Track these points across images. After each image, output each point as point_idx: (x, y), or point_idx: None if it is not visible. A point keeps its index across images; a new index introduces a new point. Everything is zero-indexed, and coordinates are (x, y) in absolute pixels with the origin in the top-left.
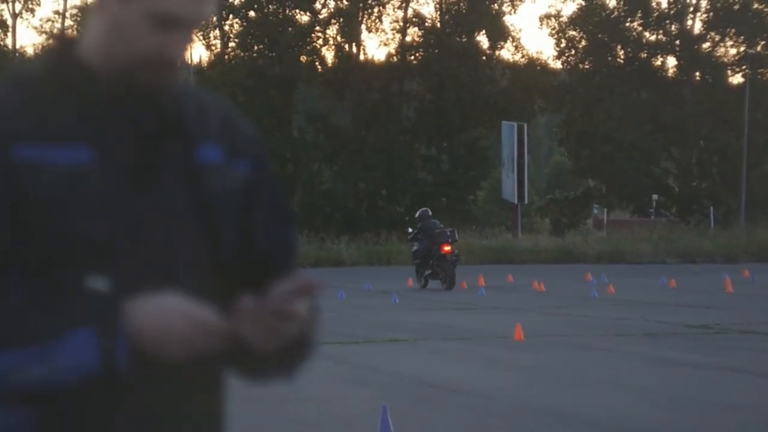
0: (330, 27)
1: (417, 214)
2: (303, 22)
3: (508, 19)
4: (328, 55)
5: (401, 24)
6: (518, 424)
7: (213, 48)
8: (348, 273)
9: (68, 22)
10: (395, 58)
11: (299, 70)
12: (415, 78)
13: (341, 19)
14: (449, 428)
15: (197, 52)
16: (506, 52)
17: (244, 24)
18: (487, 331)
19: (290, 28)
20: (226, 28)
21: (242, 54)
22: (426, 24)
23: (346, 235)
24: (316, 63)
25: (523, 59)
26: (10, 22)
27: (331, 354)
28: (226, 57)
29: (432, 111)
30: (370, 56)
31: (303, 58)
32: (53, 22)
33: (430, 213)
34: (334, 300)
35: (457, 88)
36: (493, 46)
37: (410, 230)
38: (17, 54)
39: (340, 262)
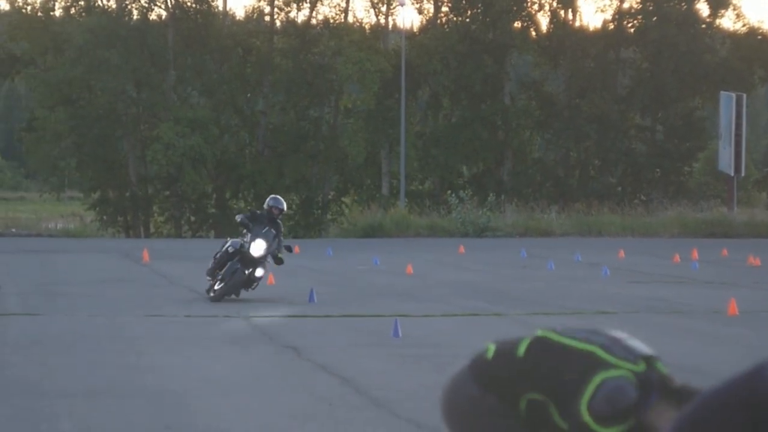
0: None
1: None
2: None
3: None
4: (543, 21)
5: None
6: None
7: (425, 12)
8: (558, 243)
9: None
10: (612, 25)
11: (513, 36)
12: (632, 46)
13: None
14: None
15: (409, 17)
16: (727, 21)
17: None
18: (700, 306)
19: None
20: None
21: (455, 19)
22: None
23: (556, 205)
24: (531, 29)
25: (744, 28)
26: None
27: (540, 325)
28: (439, 22)
29: (648, 80)
30: (585, 23)
31: (517, 24)
32: None
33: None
34: (543, 271)
35: (674, 56)
36: (714, 14)
37: None
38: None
39: (549, 232)
